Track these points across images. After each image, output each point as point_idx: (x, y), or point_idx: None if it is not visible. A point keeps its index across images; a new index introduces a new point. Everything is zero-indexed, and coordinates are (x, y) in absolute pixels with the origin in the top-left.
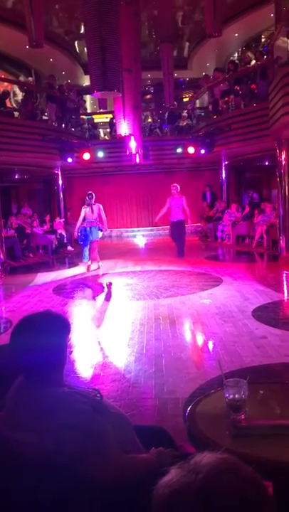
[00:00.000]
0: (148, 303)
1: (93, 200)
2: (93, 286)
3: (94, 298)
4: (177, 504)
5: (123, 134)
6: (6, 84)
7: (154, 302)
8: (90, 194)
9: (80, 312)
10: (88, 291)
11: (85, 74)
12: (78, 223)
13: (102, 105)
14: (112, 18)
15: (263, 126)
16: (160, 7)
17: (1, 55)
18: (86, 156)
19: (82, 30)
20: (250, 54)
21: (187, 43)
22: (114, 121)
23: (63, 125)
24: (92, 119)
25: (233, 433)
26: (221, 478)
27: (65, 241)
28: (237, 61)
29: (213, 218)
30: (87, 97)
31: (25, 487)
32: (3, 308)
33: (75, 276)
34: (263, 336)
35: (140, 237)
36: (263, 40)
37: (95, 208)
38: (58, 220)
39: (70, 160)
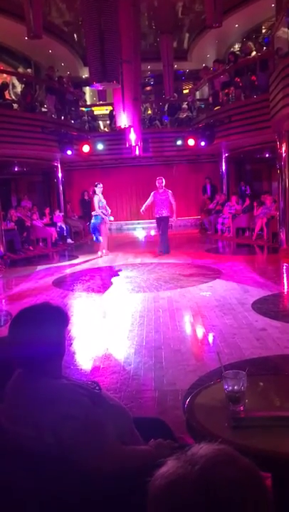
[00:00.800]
0: (148, 295)
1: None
2: (93, 278)
3: (94, 290)
4: (174, 495)
5: (123, 126)
6: (5, 75)
7: (154, 295)
8: (99, 183)
9: (80, 304)
10: (88, 284)
11: (85, 66)
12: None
13: (102, 97)
14: (110, 9)
15: (263, 118)
16: None
17: None
18: (86, 148)
19: (81, 21)
20: (251, 44)
21: (187, 34)
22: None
23: (63, 117)
24: (92, 111)
25: (232, 424)
26: (217, 469)
27: (65, 234)
28: (238, 52)
29: (213, 211)
30: (87, 89)
31: (25, 478)
32: (3, 300)
33: (74, 268)
34: (262, 328)
35: (140, 230)
36: (263, 31)
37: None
38: (57, 213)
39: (69, 152)
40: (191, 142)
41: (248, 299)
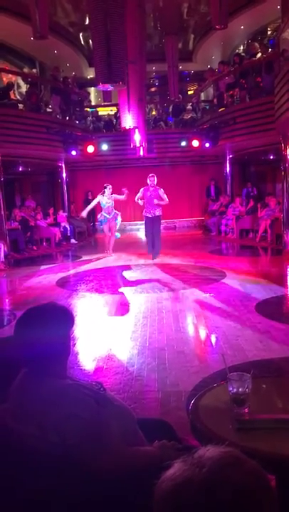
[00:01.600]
0: (151, 296)
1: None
2: (97, 278)
3: (97, 290)
4: (181, 497)
5: (128, 127)
6: (10, 75)
7: (157, 295)
8: (108, 185)
9: (83, 305)
10: (92, 284)
11: (90, 66)
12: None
13: (107, 98)
14: (117, 10)
15: (268, 119)
16: None
17: (5, 47)
18: (90, 148)
19: (87, 22)
20: (256, 46)
21: (192, 36)
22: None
23: (67, 117)
24: (97, 111)
25: (236, 427)
26: (224, 472)
27: (69, 234)
28: (243, 54)
29: (217, 212)
30: (92, 90)
31: (29, 477)
32: (7, 300)
33: (78, 268)
34: (266, 330)
35: (143, 231)
36: (269, 32)
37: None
38: (61, 213)
39: (74, 153)
40: (195, 143)
41: (252, 301)
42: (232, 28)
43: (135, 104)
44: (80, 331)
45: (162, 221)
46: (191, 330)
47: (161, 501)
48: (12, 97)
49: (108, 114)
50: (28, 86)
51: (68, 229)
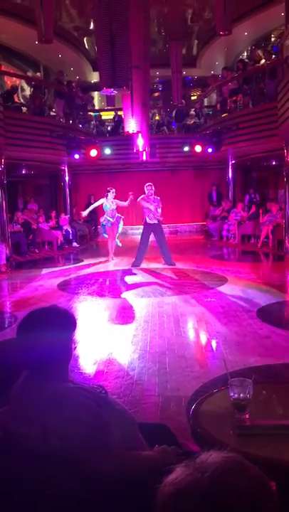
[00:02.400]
0: (152, 300)
1: None
2: (98, 282)
3: (98, 294)
4: (183, 502)
5: (131, 132)
6: (14, 79)
7: (159, 300)
8: (112, 188)
9: (85, 308)
10: (93, 288)
11: (94, 70)
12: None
13: (110, 102)
14: (121, 15)
15: (271, 125)
16: (170, 4)
17: (9, 50)
18: (93, 152)
19: (91, 27)
20: (260, 52)
21: (196, 41)
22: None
23: (71, 121)
24: (100, 115)
25: (237, 432)
26: (227, 478)
27: (71, 237)
28: (246, 60)
29: (218, 217)
30: (95, 94)
31: (30, 481)
32: (8, 302)
33: (79, 272)
34: (267, 336)
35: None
36: (272, 39)
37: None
38: (63, 216)
39: (77, 156)
40: (198, 149)
41: (253, 307)
42: (236, 34)
43: (139, 108)
44: (81, 334)
45: (164, 225)
46: (191, 335)
47: (163, 506)
48: (16, 100)
49: (109, 120)
50: (32, 89)
51: (70, 232)
